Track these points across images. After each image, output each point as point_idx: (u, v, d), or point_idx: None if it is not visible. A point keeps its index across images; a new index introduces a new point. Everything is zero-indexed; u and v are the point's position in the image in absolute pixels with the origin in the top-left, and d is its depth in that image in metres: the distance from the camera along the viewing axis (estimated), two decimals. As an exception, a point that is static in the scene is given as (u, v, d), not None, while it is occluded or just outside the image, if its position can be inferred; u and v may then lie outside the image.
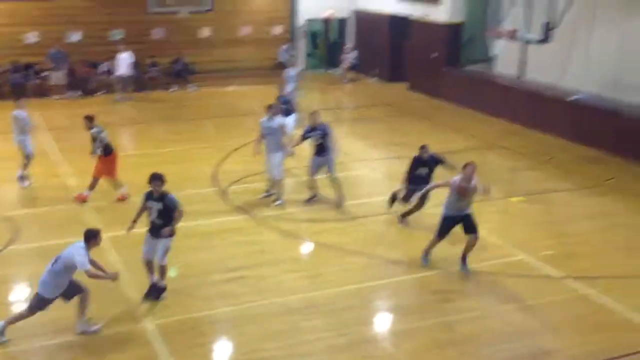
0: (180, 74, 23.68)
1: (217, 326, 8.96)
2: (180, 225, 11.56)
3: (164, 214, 9.18)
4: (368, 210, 12.76)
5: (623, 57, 16.92)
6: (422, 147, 11.94)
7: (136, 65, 22.43)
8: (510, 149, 16.83)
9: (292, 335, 8.60)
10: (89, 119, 12.86)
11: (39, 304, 8.28)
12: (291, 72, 18.16)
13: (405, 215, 11.98)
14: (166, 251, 9.32)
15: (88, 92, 22.41)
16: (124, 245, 10.97)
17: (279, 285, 9.89)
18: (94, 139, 12.79)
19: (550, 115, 18.16)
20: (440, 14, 22.12)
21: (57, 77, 22.01)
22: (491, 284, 10.03)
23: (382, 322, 9.32)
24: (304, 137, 12.85)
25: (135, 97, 21.94)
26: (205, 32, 24.80)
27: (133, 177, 13.16)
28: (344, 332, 8.69)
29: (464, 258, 10.24)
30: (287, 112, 15.53)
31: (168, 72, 23.57)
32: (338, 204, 12.75)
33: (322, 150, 12.66)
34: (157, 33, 24.01)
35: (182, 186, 13.74)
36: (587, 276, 10.14)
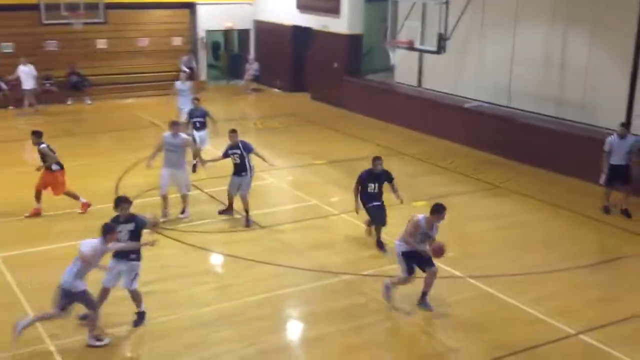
0: (77, 87, 22.95)
1: (124, 344, 8.71)
2: (76, 243, 11.23)
3: (134, 235, 8.93)
4: (275, 219, 12.79)
5: (511, 66, 17.77)
6: (376, 159, 11.43)
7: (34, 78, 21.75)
8: (411, 156, 17.29)
9: (203, 348, 8.48)
10: (37, 135, 12.66)
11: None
12: (181, 85, 17.92)
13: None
14: (135, 277, 8.99)
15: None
16: (17, 265, 10.54)
17: (188, 298, 9.74)
18: (43, 155, 12.60)
19: (447, 122, 18.82)
20: (340, 26, 22.52)
21: None
22: (397, 286, 10.20)
23: (293, 330, 9.34)
24: (225, 156, 12.58)
25: (29, 111, 21.12)
26: (101, 44, 24.18)
27: (30, 194, 12.67)
28: (254, 341, 8.65)
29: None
30: (202, 126, 15.35)
31: (63, 85, 22.81)
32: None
33: (240, 169, 12.44)
34: (51, 45, 23.24)
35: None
36: (488, 275, 10.54)
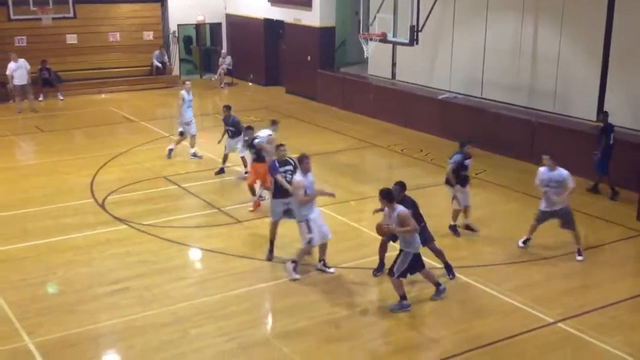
0: (48, 83, 22.63)
1: (102, 340, 8.64)
2: (53, 240, 11.18)
3: None
4: (252, 214, 12.73)
5: (484, 57, 17.89)
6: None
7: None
8: (386, 148, 17.35)
9: (182, 344, 8.43)
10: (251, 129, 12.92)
11: None
12: (187, 95, 16.14)
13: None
14: None
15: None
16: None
17: (166, 294, 9.67)
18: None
19: (422, 114, 18.90)
20: (312, 18, 22.48)
21: None
22: (376, 278, 10.26)
23: (272, 324, 9.33)
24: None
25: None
26: (71, 39, 23.87)
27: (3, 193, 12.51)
28: (234, 336, 8.62)
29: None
30: (234, 134, 14.63)
31: (34, 81, 22.48)
32: None
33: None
34: (20, 41, 22.87)
35: (56, 199, 13.23)
36: (466, 265, 10.62)
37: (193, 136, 16.00)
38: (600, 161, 13.55)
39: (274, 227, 10.75)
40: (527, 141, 16.12)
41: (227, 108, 14.77)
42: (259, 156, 12.62)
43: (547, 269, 10.62)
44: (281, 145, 10.97)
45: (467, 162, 11.69)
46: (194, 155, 15.94)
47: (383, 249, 10.22)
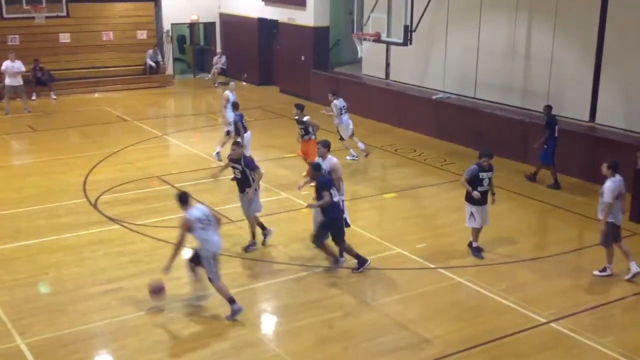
0: (42, 82, 22.54)
1: (94, 341, 8.61)
2: (45, 240, 11.13)
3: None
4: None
5: (477, 57, 17.91)
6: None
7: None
8: (380, 148, 17.34)
9: (175, 344, 8.42)
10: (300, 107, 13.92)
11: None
12: (232, 95, 16.48)
13: None
14: None
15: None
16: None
17: (159, 294, 9.63)
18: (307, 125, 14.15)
19: (415, 114, 18.91)
20: (306, 18, 22.47)
21: None
22: (369, 278, 10.27)
23: (265, 324, 9.32)
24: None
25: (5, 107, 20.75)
26: (64, 38, 23.78)
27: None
28: (227, 336, 8.61)
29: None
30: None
31: (28, 80, 22.39)
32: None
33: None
34: (13, 40, 22.78)
35: (48, 199, 13.19)
36: (458, 265, 10.63)
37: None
38: (545, 152, 14.12)
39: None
40: (520, 141, 16.14)
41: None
42: (306, 132, 14.22)
43: (537, 268, 10.64)
44: (236, 142, 11.35)
45: (484, 175, 10.71)
46: (218, 154, 15.79)
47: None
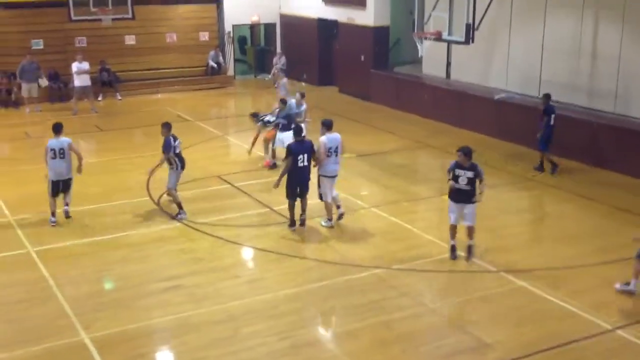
0: (108, 83, 23.16)
1: (156, 337, 8.77)
2: (110, 237, 11.40)
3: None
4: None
5: (541, 56, 17.51)
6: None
7: (56, 75, 22.10)
8: (440, 148, 17.14)
9: (234, 342, 8.49)
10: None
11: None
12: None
13: None
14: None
15: (11, 105, 21.78)
16: (51, 258, 10.69)
17: (218, 292, 9.75)
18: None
19: (477, 114, 18.62)
20: (366, 18, 22.40)
21: (29, 89, 21.12)
22: (429, 280, 10.17)
23: (324, 324, 9.32)
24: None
25: (59, 107, 21.37)
26: (129, 39, 24.36)
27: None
28: (285, 336, 8.63)
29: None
30: (285, 128, 15.03)
31: (94, 81, 23.04)
32: None
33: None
34: (81, 42, 23.46)
35: (114, 197, 13.51)
36: (519, 269, 10.40)
37: None
38: (540, 138, 14.76)
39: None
40: (586, 143, 15.70)
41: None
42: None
43: (601, 273, 10.30)
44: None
45: (460, 172, 10.33)
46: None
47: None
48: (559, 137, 16.12)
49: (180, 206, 12.36)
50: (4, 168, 15.68)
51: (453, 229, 10.65)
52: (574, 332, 8.67)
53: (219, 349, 8.33)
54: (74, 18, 21.90)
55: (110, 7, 21.86)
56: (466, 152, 10.45)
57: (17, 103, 21.74)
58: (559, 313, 9.18)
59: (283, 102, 15.52)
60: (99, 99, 22.71)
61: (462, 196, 10.42)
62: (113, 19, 22.20)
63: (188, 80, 24.81)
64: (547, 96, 14.86)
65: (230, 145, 17.97)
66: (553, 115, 14.65)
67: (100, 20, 21.90)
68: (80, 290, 9.83)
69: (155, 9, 24.61)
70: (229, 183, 14.35)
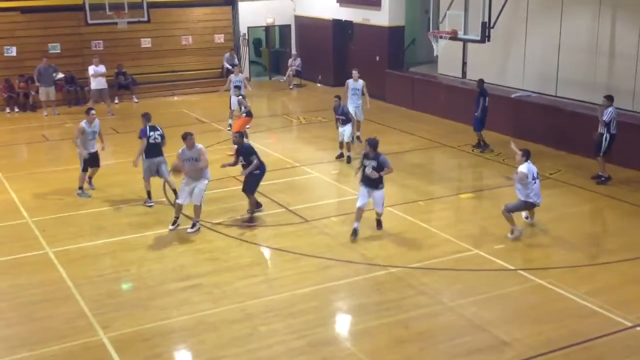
0: (125, 86, 23.29)
1: (174, 336, 8.79)
2: (127, 237, 11.44)
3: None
4: (320, 213, 12.75)
5: (558, 54, 17.39)
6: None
7: (73, 79, 22.34)
8: (457, 148, 17.08)
9: (252, 341, 8.49)
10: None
11: None
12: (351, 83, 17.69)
13: None
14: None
15: (29, 108, 22.00)
16: (69, 260, 10.75)
17: (236, 291, 9.77)
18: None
19: (493, 113, 18.46)
20: (381, 18, 22.37)
21: (47, 92, 21.35)
22: (446, 279, 10.11)
23: (341, 323, 9.30)
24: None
25: (76, 110, 21.53)
26: (145, 42, 24.49)
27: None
28: (303, 334, 8.62)
29: None
30: (344, 122, 15.67)
31: (111, 84, 23.19)
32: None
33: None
34: (97, 45, 23.63)
35: (131, 198, 13.56)
36: (538, 267, 10.33)
37: (359, 122, 17.19)
38: (475, 119, 16.37)
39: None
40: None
41: (338, 98, 15.90)
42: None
43: (621, 271, 10.21)
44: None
45: (366, 162, 11.40)
46: (357, 138, 16.82)
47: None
48: (577, 135, 15.97)
49: (149, 195, 13.10)
50: (22, 170, 15.83)
51: (359, 211, 11.42)
52: (594, 329, 8.59)
53: (237, 348, 8.34)
54: (90, 22, 22.03)
55: (126, 10, 21.96)
56: (371, 143, 11.43)
57: (35, 106, 21.96)
58: (579, 311, 9.10)
59: (338, 97, 15.98)
60: (116, 101, 22.86)
61: (371, 182, 11.35)
62: (129, 22, 22.29)
63: (204, 82, 24.90)
64: (481, 81, 16.50)
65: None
66: (487, 98, 16.27)
67: (116, 23, 22.01)
68: (99, 290, 9.88)
69: (170, 12, 24.73)
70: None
